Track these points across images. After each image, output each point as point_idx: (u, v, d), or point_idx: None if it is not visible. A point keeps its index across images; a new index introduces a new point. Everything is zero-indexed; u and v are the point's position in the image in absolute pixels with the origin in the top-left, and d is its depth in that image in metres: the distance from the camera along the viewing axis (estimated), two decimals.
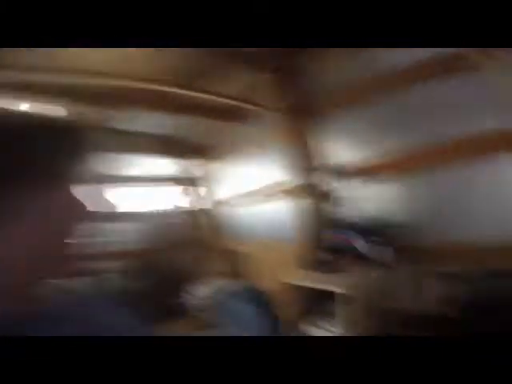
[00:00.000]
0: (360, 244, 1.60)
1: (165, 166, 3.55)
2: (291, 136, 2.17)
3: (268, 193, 2.69)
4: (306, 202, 2.07)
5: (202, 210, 4.08)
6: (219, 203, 3.73)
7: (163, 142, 3.05)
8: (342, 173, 1.92)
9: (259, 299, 1.30)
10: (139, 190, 3.70)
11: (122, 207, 3.60)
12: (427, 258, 1.54)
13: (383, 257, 1.58)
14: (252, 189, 2.92)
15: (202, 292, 3.01)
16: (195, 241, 4.01)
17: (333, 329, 1.47)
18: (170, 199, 4.02)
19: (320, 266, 1.64)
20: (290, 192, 2.29)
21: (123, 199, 3.62)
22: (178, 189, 4.03)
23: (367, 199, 1.84)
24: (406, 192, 1.66)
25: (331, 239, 1.86)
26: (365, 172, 1.83)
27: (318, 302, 1.74)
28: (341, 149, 2.02)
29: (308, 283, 1.51)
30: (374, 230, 1.64)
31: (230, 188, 3.39)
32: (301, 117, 2.13)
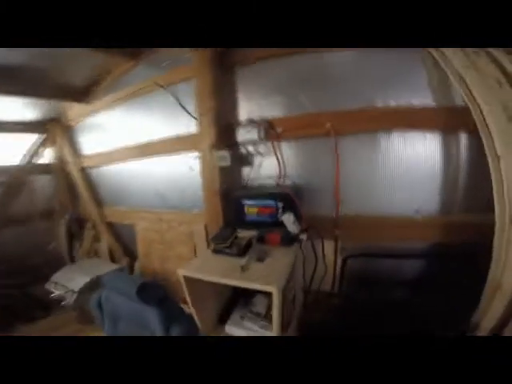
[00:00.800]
0: (288, 219, 1.27)
1: (16, 107, 2.31)
2: (202, 79, 1.66)
3: (164, 148, 2.08)
4: (220, 163, 1.65)
5: (68, 167, 2.89)
6: (95, 158, 2.69)
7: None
8: (265, 130, 1.60)
9: (158, 293, 0.98)
10: None
11: None
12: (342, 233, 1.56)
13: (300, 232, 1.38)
14: (142, 141, 2.23)
15: (74, 282, 2.21)
16: (61, 209, 2.88)
17: (261, 330, 1.22)
18: (21, 151, 2.77)
19: (237, 249, 1.22)
20: (194, 148, 1.83)
21: None
22: (35, 137, 2.80)
23: (290, 162, 1.66)
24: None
25: (256, 211, 1.53)
26: (288, 131, 1.60)
27: (241, 299, 1.38)
28: (261, 105, 1.71)
29: (220, 279, 1.06)
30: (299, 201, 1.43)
31: (113, 140, 2.50)
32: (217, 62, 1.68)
